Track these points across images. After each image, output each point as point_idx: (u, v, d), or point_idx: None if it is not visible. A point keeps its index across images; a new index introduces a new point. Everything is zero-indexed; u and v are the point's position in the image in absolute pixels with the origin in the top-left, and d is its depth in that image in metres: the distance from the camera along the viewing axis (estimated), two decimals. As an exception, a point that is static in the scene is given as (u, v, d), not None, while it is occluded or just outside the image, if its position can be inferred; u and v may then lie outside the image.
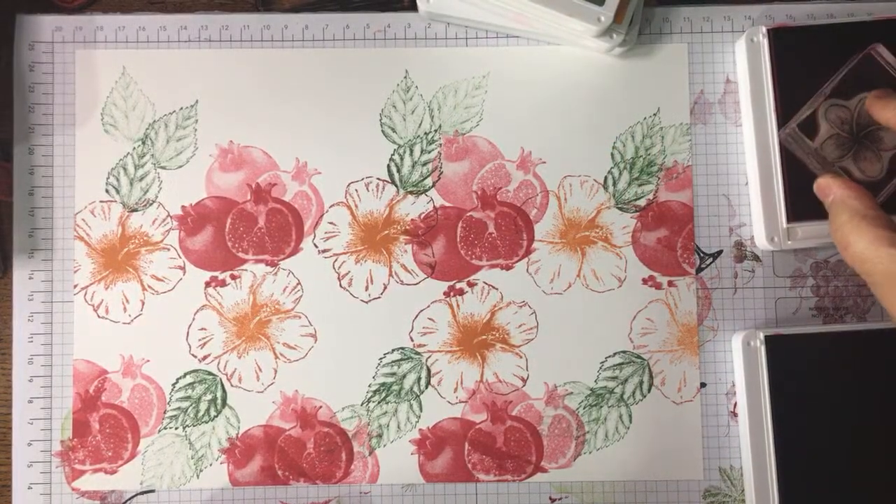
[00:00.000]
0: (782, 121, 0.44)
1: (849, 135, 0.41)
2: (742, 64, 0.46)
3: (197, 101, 0.48)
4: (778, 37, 0.45)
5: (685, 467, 0.47)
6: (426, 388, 0.47)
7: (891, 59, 0.41)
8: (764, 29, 0.45)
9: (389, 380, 0.47)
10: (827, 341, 0.44)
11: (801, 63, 0.45)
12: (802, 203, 0.44)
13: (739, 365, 0.45)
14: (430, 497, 0.47)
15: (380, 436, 0.47)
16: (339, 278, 0.48)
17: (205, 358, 0.47)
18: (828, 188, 0.40)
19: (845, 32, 0.45)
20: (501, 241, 0.48)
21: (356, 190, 0.48)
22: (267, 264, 0.48)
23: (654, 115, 0.48)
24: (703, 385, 0.47)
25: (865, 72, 0.41)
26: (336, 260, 0.48)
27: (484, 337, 0.48)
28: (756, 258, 0.47)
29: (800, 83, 0.44)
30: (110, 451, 0.47)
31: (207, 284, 0.48)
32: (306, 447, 0.47)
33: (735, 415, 0.47)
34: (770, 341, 0.44)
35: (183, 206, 0.48)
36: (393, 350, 0.47)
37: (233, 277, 0.48)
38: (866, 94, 0.41)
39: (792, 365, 0.44)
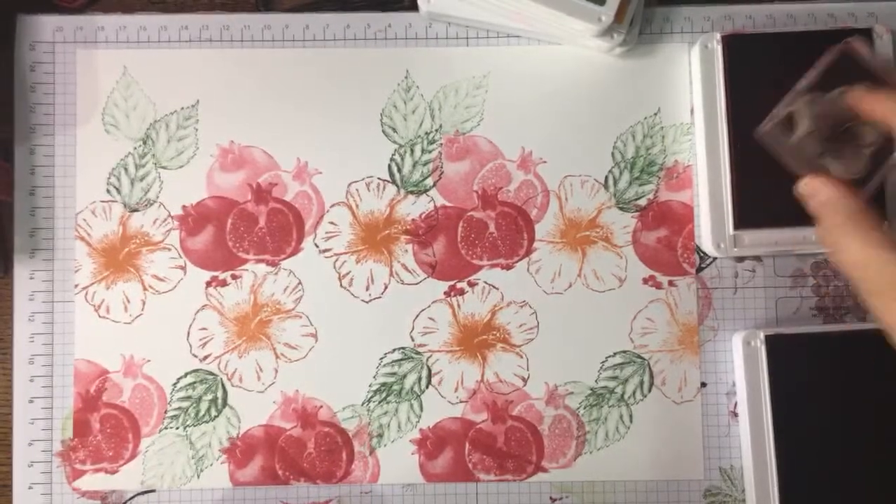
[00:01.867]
0: (734, 127, 0.44)
1: (829, 131, 0.39)
2: (696, 70, 0.46)
3: (198, 101, 0.48)
4: (732, 44, 0.45)
5: (685, 467, 0.47)
6: (427, 387, 0.47)
7: (867, 52, 0.39)
8: (718, 35, 0.45)
9: (390, 379, 0.47)
10: (827, 341, 0.44)
11: (755, 71, 0.45)
12: (749, 210, 0.45)
13: (740, 365, 0.45)
14: (430, 497, 0.47)
15: (380, 435, 0.47)
16: (339, 278, 0.48)
17: (205, 358, 0.47)
18: (814, 189, 0.37)
19: (802, 41, 0.44)
20: (502, 240, 0.48)
21: (357, 190, 0.48)
22: (268, 264, 0.48)
23: (655, 114, 0.48)
24: (703, 385, 0.47)
25: (843, 66, 0.39)
26: (337, 260, 0.48)
27: (484, 337, 0.48)
28: (757, 258, 0.47)
29: (752, 91, 0.43)
30: (111, 451, 0.47)
31: (208, 284, 0.48)
32: (307, 447, 0.47)
33: (735, 414, 0.47)
34: (770, 341, 0.44)
35: (184, 206, 0.48)
36: (394, 350, 0.47)
37: (234, 277, 0.48)
38: (845, 88, 0.38)
39: (792, 365, 0.44)
